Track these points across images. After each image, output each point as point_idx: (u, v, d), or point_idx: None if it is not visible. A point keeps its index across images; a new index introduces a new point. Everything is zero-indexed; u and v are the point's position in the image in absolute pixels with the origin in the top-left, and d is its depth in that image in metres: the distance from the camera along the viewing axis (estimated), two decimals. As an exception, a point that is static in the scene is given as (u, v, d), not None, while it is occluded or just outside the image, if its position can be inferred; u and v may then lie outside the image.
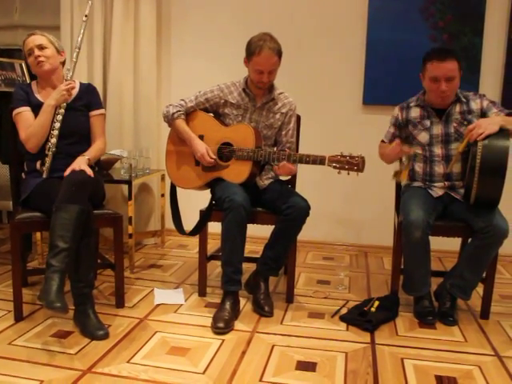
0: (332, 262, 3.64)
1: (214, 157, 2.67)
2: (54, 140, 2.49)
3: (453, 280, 2.59)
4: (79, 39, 2.65)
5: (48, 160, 2.49)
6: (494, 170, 2.36)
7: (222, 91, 2.76)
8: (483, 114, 2.60)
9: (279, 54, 2.61)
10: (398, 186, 2.93)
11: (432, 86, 2.57)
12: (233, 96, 2.75)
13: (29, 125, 2.49)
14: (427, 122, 2.67)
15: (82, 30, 2.67)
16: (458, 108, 2.63)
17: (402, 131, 2.76)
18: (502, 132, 2.41)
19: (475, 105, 2.62)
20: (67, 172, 2.37)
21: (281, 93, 2.81)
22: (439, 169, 2.65)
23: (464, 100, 2.63)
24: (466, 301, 2.74)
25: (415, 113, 2.71)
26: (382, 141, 2.85)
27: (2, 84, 3.58)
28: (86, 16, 2.70)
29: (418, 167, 2.72)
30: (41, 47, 2.53)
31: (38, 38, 2.55)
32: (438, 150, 2.64)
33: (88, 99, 2.67)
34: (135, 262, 3.41)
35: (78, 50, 2.64)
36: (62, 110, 2.52)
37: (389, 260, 3.53)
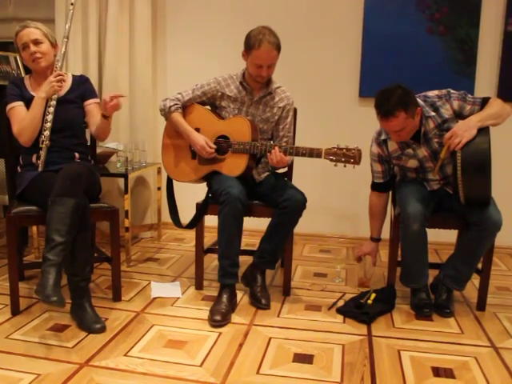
0: (329, 255, 3.65)
1: (214, 146, 2.66)
2: (47, 133, 2.46)
3: (446, 271, 2.61)
4: (67, 28, 2.59)
5: (42, 153, 2.47)
6: (477, 174, 2.30)
7: (218, 84, 2.74)
8: (458, 115, 2.46)
9: (278, 48, 2.59)
10: (394, 178, 2.93)
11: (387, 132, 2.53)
12: (230, 89, 2.74)
13: (21, 119, 2.48)
14: (409, 151, 2.56)
15: (70, 19, 2.61)
16: (431, 124, 2.47)
17: (389, 164, 2.71)
18: (481, 132, 2.32)
19: (446, 112, 2.45)
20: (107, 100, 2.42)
21: (278, 87, 2.79)
22: (433, 176, 2.64)
23: (433, 113, 2.46)
24: (460, 291, 2.76)
25: (393, 146, 2.59)
26: (373, 185, 2.76)
27: (-3, 77, 3.56)
28: (72, 4, 2.64)
29: (411, 175, 2.70)
30: (36, 42, 2.48)
31: (32, 32, 2.49)
32: (429, 164, 2.59)
33: (81, 90, 2.64)
34: (132, 256, 3.41)
35: (66, 40, 2.57)
36: (54, 102, 2.48)
37: (385, 252, 3.53)
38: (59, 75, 2.47)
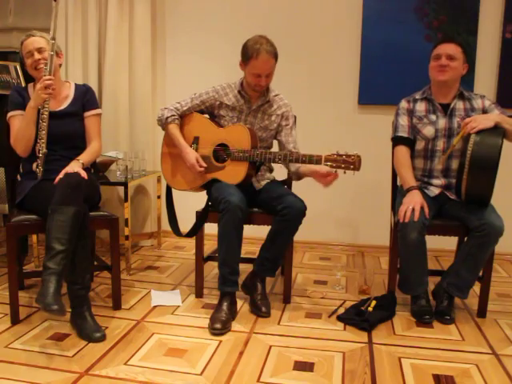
0: (329, 262, 3.64)
1: (205, 165, 2.66)
2: (42, 141, 2.45)
3: (450, 279, 2.60)
4: (52, 27, 2.43)
5: (40, 162, 2.47)
6: (484, 165, 2.37)
7: (217, 93, 2.75)
8: (485, 113, 2.62)
9: (276, 56, 2.60)
10: (395, 185, 2.94)
11: (433, 64, 2.65)
12: (228, 98, 2.75)
13: (17, 130, 2.47)
14: (433, 117, 2.68)
15: (54, 17, 2.44)
16: (461, 105, 2.68)
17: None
18: (497, 129, 2.43)
19: (477, 104, 2.67)
20: (60, 175, 2.35)
21: (276, 95, 2.80)
22: (439, 165, 2.66)
23: (467, 97, 2.68)
24: (463, 299, 2.75)
25: (421, 106, 2.73)
26: (397, 139, 2.74)
27: (-3, 86, 3.57)
28: (54, 1, 2.49)
29: (419, 163, 2.72)
30: (40, 50, 2.50)
31: (37, 41, 2.50)
32: (440, 145, 2.65)
33: (83, 100, 2.65)
34: (132, 264, 3.40)
35: (53, 42, 2.45)
36: (47, 109, 2.44)
37: (386, 259, 3.53)
38: (47, 80, 2.40)
